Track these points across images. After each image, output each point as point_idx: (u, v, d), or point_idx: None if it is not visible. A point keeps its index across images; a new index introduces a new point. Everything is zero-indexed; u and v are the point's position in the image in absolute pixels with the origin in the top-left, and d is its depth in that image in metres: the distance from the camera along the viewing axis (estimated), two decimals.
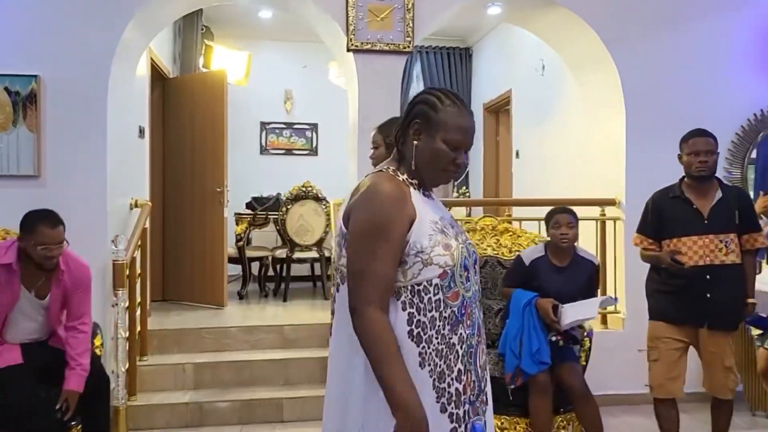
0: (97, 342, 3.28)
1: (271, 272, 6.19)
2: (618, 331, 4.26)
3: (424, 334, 1.46)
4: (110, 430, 3.09)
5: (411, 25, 3.98)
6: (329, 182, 6.35)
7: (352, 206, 1.53)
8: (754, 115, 4.47)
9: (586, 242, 4.29)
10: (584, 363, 3.35)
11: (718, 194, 2.99)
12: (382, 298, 1.43)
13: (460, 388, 1.48)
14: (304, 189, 5.72)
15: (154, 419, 3.77)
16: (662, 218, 3.07)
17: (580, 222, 4.32)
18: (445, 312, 1.47)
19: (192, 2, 4.45)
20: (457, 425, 1.47)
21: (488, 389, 1.61)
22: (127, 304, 3.58)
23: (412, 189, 1.54)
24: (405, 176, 1.56)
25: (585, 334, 3.48)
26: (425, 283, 1.46)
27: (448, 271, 1.47)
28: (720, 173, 4.42)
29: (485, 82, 7.28)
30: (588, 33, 4.27)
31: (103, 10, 3.76)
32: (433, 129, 1.51)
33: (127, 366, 3.60)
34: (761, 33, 4.48)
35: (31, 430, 2.72)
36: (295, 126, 7.45)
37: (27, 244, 2.75)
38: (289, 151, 7.46)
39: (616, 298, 3.47)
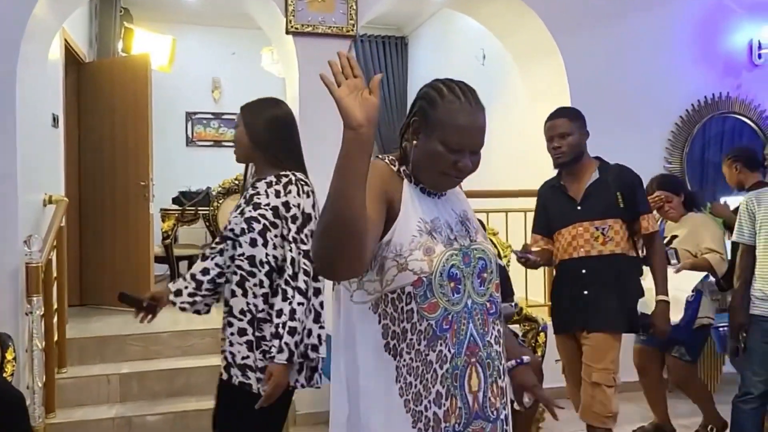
0: (9, 356, 2.91)
1: None
2: None
3: (399, 346, 1.29)
4: None
5: (354, 7, 3.76)
6: None
7: None
8: (692, 105, 4.54)
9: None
10: (540, 358, 3.29)
11: (594, 176, 2.62)
12: None
13: (440, 414, 1.29)
14: (237, 182, 5.40)
15: None
16: (547, 212, 2.77)
17: (526, 213, 4.29)
18: (420, 324, 1.29)
19: None
20: None
21: (502, 420, 1.39)
22: (42, 311, 3.20)
23: (406, 181, 1.38)
24: (402, 168, 1.40)
25: (540, 328, 3.42)
26: (399, 291, 1.29)
27: (424, 279, 1.28)
28: (659, 163, 4.51)
29: (422, 72, 7.15)
30: (535, 22, 4.20)
31: None
32: (431, 128, 1.33)
33: (44, 380, 3.22)
34: (698, 26, 4.55)
35: None
36: (224, 116, 7.08)
37: None
38: (217, 143, 7.07)
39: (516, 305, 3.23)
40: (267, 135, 2.02)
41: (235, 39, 6.92)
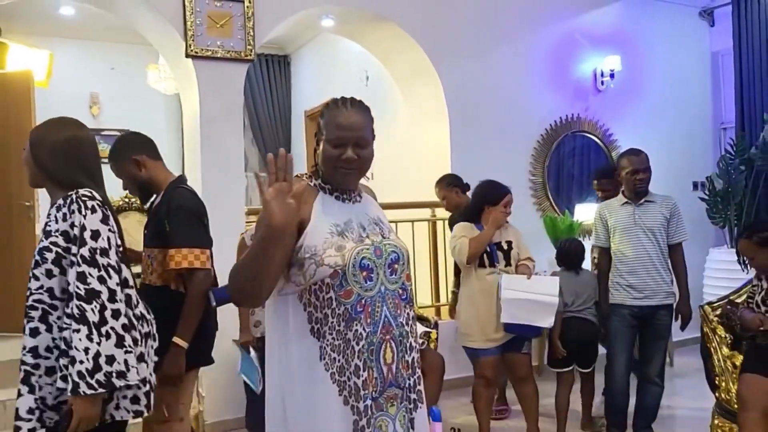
0: None
1: None
2: (449, 322, 4.60)
3: (321, 330, 1.56)
4: None
5: (252, 33, 3.96)
6: None
7: None
8: (550, 125, 5.18)
9: (420, 241, 4.65)
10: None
11: (156, 199, 2.44)
12: None
13: (359, 383, 1.55)
14: (126, 200, 5.34)
15: None
16: None
17: (415, 224, 4.69)
18: (339, 309, 1.55)
19: None
20: (358, 418, 1.55)
21: (415, 389, 1.66)
22: None
23: (321, 193, 1.63)
24: (319, 181, 1.66)
25: (431, 325, 3.79)
26: (320, 283, 1.55)
27: (339, 271, 1.54)
28: (525, 175, 5.11)
29: (306, 90, 7.40)
30: (415, 49, 4.62)
31: None
32: (322, 134, 1.62)
33: None
34: (552, 55, 5.21)
35: None
36: (104, 132, 6.88)
37: None
38: None
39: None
40: (52, 159, 1.92)
41: (114, 54, 6.80)
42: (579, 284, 3.60)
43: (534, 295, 3.19)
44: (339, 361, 1.54)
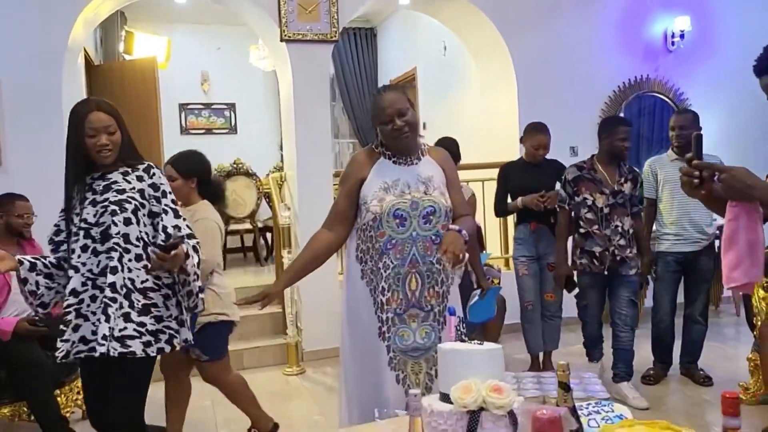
0: None
1: None
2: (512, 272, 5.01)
3: (364, 258, 2.17)
4: None
5: (336, 16, 4.53)
6: (250, 158, 6.82)
7: None
8: (618, 86, 5.43)
9: (490, 200, 5.09)
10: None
11: None
12: (330, 221, 2.24)
13: (384, 300, 2.12)
14: (235, 166, 6.16)
15: None
16: None
17: (485, 183, 5.14)
18: (375, 245, 2.13)
19: None
20: (381, 325, 2.14)
21: (435, 312, 2.14)
22: None
23: (382, 158, 2.19)
24: (382, 149, 2.21)
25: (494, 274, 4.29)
26: (365, 224, 2.16)
27: (377, 217, 2.11)
28: (594, 137, 5.38)
29: (391, 60, 7.92)
30: (486, 23, 5.02)
31: (54, 9, 4.04)
32: (376, 117, 2.16)
33: None
34: (621, 18, 5.43)
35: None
36: (213, 106, 7.78)
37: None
38: (209, 131, 7.79)
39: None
40: (128, 133, 2.21)
41: (220, 35, 7.61)
42: None
43: None
44: (373, 282, 2.15)
